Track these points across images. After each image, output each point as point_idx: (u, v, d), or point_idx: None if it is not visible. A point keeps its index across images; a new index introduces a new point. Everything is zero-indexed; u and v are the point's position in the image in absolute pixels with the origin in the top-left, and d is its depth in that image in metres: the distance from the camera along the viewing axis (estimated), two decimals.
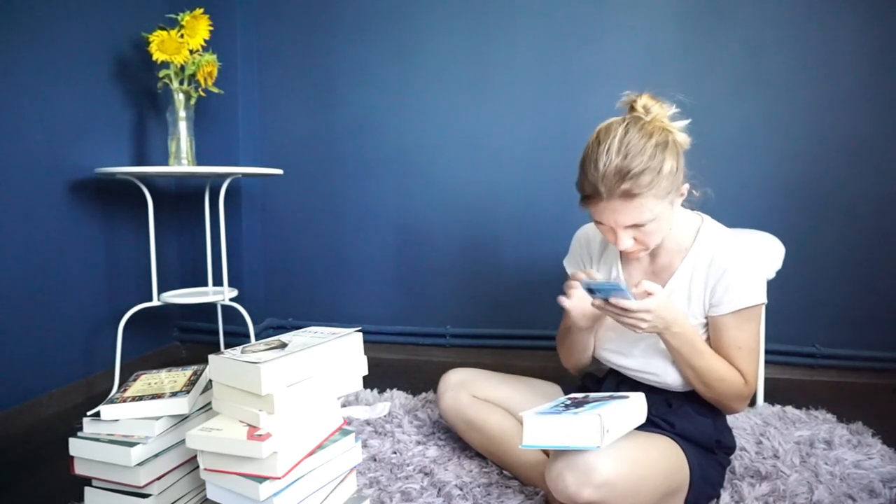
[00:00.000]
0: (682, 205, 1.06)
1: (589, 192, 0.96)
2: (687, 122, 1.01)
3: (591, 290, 0.95)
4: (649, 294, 0.93)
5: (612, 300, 0.93)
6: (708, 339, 1.05)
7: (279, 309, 2.29)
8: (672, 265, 1.07)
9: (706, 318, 1.04)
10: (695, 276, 1.04)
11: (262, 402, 0.85)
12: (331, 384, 0.95)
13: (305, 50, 2.15)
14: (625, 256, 1.14)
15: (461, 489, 1.15)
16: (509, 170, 2.05)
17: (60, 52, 1.66)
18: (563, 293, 1.07)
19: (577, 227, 1.25)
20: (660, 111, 0.98)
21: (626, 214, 0.94)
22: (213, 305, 2.02)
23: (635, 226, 0.95)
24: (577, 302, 1.04)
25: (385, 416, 1.52)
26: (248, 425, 0.86)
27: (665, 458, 0.95)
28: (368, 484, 1.17)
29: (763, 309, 1.04)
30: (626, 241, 0.98)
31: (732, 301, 0.99)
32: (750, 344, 1.02)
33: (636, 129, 0.94)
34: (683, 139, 0.99)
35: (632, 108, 1.00)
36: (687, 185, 1.00)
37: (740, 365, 1.02)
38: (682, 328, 0.97)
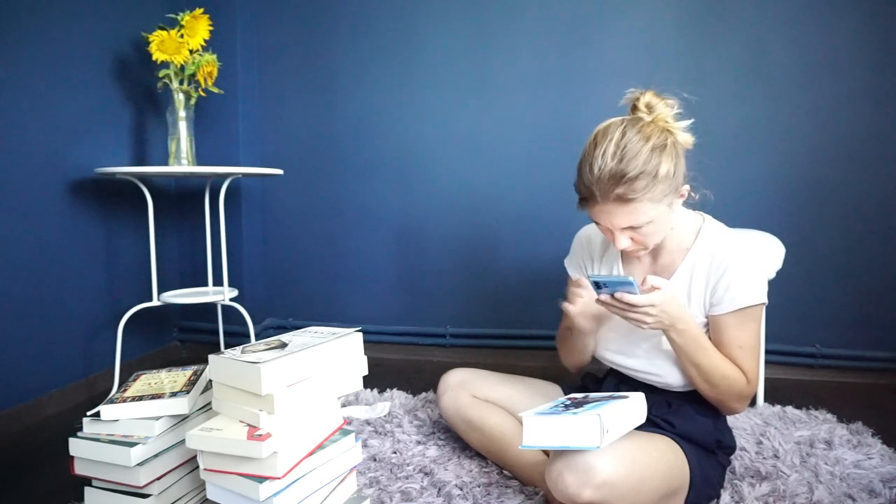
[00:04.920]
0: (683, 204, 1.06)
1: (585, 195, 0.96)
2: (690, 121, 1.00)
3: (597, 286, 0.95)
4: (656, 289, 0.93)
5: (618, 295, 0.93)
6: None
7: (279, 309, 2.29)
8: (673, 265, 1.06)
9: (706, 317, 1.04)
10: (695, 275, 1.03)
11: (262, 402, 0.85)
12: (331, 384, 0.95)
13: (305, 50, 2.15)
14: (626, 256, 1.14)
15: (461, 489, 1.15)
16: (509, 169, 2.05)
17: (60, 52, 1.66)
18: (565, 294, 1.07)
19: (578, 227, 1.25)
20: (663, 110, 0.98)
21: (622, 217, 0.94)
22: (213, 305, 2.02)
23: (632, 227, 0.95)
24: (580, 307, 1.04)
25: (385, 416, 1.52)
26: (248, 425, 0.86)
27: (665, 459, 0.95)
28: (368, 484, 1.17)
29: (764, 309, 1.03)
30: (624, 242, 0.98)
31: (733, 300, 0.99)
32: (751, 343, 1.02)
33: (634, 132, 0.93)
34: (686, 139, 0.99)
35: (634, 107, 1.00)
36: (687, 187, 1.00)
37: (742, 364, 1.01)
38: (687, 325, 0.97)
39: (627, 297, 0.92)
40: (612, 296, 0.94)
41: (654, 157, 0.92)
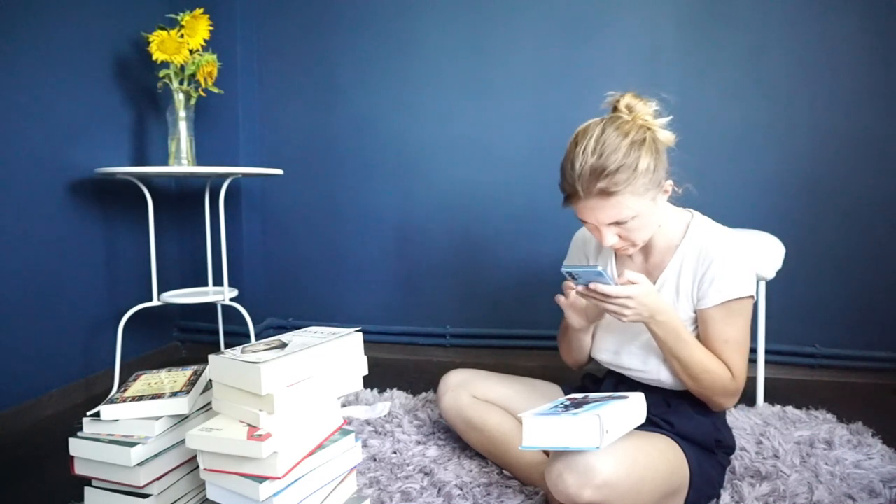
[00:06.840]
0: (674, 203, 1.07)
1: (569, 192, 0.99)
2: (669, 118, 1.01)
3: (572, 277, 0.97)
4: (633, 283, 0.94)
5: (592, 286, 0.94)
6: (698, 336, 1.05)
7: (279, 309, 2.29)
8: (664, 262, 1.07)
9: (695, 312, 1.05)
10: (683, 269, 1.04)
11: (262, 402, 0.85)
12: (331, 384, 0.95)
13: (305, 49, 2.15)
14: (619, 255, 1.15)
15: (461, 489, 1.15)
16: (509, 169, 2.05)
17: (60, 52, 1.66)
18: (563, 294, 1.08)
19: (577, 227, 1.25)
20: (643, 109, 1.00)
21: (606, 212, 0.96)
22: (213, 305, 2.02)
23: (617, 223, 0.97)
24: (571, 299, 1.06)
25: (385, 416, 1.52)
26: (248, 425, 0.86)
27: (665, 459, 0.96)
28: (368, 484, 1.17)
29: (751, 304, 1.03)
30: (611, 238, 0.99)
31: (718, 293, 1.00)
32: (737, 338, 1.02)
33: (612, 129, 0.96)
34: (666, 136, 1.00)
35: (615, 109, 1.02)
36: (671, 182, 1.01)
37: (728, 359, 1.01)
38: (667, 317, 0.98)
39: (601, 288, 0.94)
40: (587, 286, 0.95)
41: (634, 151, 0.94)
